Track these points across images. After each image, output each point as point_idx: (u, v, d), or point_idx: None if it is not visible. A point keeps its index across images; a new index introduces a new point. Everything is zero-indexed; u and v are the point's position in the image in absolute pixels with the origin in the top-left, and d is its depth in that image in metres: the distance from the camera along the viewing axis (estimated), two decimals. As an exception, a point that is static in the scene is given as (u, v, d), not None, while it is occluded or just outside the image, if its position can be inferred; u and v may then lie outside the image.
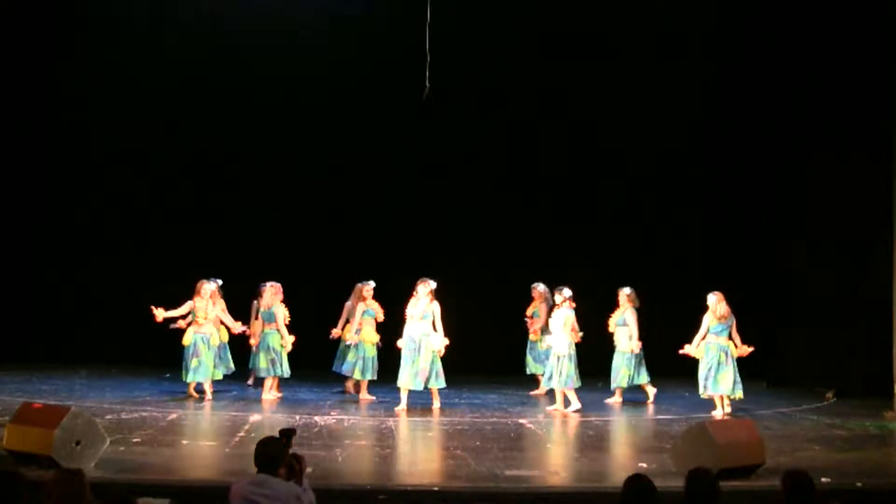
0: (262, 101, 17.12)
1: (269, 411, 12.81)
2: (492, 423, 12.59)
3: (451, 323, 13.37)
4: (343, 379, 14.29)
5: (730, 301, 13.30)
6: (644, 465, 9.44)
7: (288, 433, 6.13)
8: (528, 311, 14.82)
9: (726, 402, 13.04)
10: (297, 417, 12.17)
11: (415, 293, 13.08)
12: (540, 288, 14.66)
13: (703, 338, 13.11)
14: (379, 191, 17.28)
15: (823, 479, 8.24)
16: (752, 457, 8.91)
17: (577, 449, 11.22)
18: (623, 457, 10.19)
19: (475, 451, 10.47)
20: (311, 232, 17.10)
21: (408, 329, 13.03)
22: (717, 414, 12.95)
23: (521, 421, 12.48)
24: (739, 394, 13.08)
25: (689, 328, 13.38)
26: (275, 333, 13.64)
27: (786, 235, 16.37)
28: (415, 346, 12.92)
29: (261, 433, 10.04)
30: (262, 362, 13.65)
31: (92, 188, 17.36)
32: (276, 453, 5.88)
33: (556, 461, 10.41)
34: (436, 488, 8.44)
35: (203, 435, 11.16)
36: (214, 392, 13.64)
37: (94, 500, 5.27)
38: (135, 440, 10.19)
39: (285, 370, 13.69)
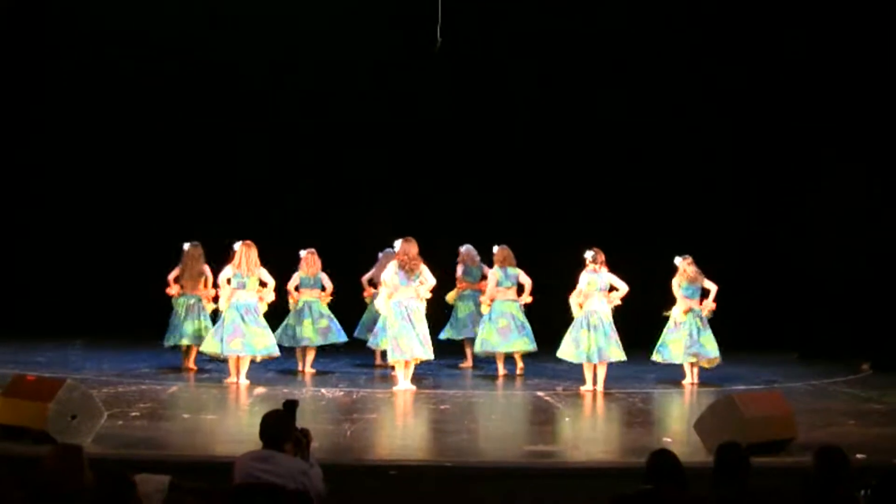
0: (257, 58, 17.24)
1: (274, 384, 12.85)
2: (507, 397, 12.65)
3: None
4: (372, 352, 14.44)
5: (760, 268, 13.36)
6: (669, 439, 9.46)
7: (292, 405, 6.15)
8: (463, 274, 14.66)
9: (695, 371, 13.27)
10: (304, 390, 12.23)
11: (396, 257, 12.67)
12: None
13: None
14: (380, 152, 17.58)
15: (858, 456, 8.23)
16: (782, 431, 8.91)
17: (598, 423, 11.27)
18: (646, 432, 10.21)
19: (490, 425, 10.52)
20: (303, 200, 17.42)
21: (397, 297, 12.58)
22: (687, 382, 13.21)
23: (539, 394, 12.51)
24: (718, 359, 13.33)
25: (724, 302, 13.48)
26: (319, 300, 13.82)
27: (819, 201, 16.41)
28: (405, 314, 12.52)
29: (266, 406, 10.09)
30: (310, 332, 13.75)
31: (83, 155, 17.49)
32: (282, 427, 5.90)
33: (575, 436, 10.44)
34: (449, 464, 8.47)
35: (205, 408, 11.21)
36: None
37: (93, 476, 5.30)
38: (133, 414, 10.24)
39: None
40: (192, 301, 13.64)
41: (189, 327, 13.57)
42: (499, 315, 13.74)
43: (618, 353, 12.65)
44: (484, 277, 14.32)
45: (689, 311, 13.18)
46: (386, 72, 17.35)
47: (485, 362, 14.40)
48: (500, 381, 13.63)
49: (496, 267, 13.85)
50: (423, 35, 14.20)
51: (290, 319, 13.79)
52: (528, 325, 13.82)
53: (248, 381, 12.56)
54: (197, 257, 13.66)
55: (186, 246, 13.72)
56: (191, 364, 13.74)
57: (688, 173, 17.32)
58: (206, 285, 13.60)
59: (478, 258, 14.56)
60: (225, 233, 13.46)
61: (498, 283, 13.80)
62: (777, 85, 16.80)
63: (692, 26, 16.85)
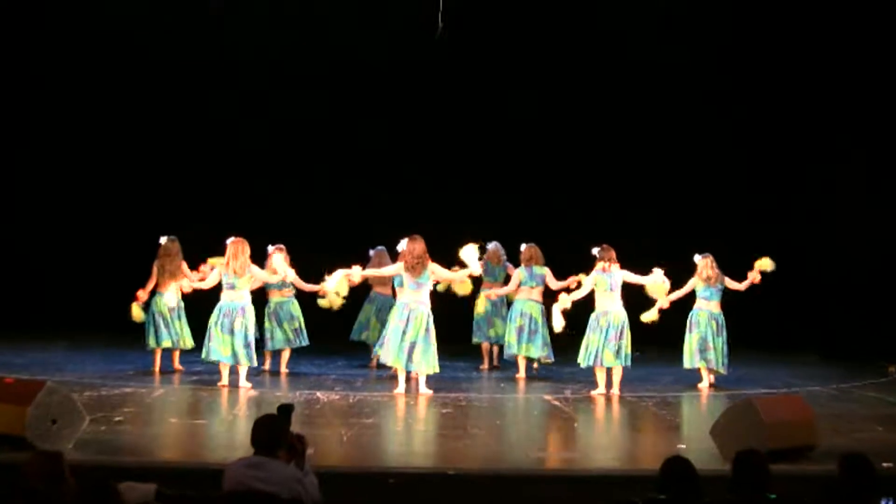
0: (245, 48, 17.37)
1: (267, 386, 12.86)
2: (513, 400, 12.65)
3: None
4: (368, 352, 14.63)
5: (781, 265, 13.39)
6: (683, 446, 9.46)
7: (286, 409, 6.15)
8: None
9: (712, 374, 13.29)
10: (298, 393, 12.23)
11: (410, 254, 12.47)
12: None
13: (683, 297, 13.32)
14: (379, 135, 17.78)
15: (885, 464, 8.22)
16: (803, 437, 8.90)
17: (609, 429, 11.26)
18: (660, 437, 10.21)
19: (496, 430, 10.51)
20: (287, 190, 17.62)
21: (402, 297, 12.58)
22: (704, 386, 13.22)
23: (547, 397, 12.51)
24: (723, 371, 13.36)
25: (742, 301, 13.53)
26: (293, 300, 13.80)
27: (841, 199, 16.52)
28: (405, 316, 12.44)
29: (258, 410, 10.10)
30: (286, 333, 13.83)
31: (64, 154, 17.66)
32: (275, 433, 5.90)
33: (584, 441, 10.44)
34: (451, 471, 8.47)
35: (193, 412, 11.21)
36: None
37: (74, 484, 5.30)
38: (117, 418, 10.22)
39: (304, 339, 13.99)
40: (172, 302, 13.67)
41: (175, 328, 13.58)
42: (517, 314, 13.91)
43: (610, 359, 12.63)
44: (507, 278, 14.39)
45: (692, 313, 13.26)
46: (395, 63, 17.45)
47: (508, 363, 14.58)
48: (506, 384, 13.66)
49: (521, 266, 13.90)
50: (427, 23, 14.32)
51: (265, 323, 13.82)
52: (543, 329, 13.88)
53: (249, 384, 12.57)
54: (175, 253, 13.62)
55: (163, 240, 13.70)
56: (176, 364, 13.79)
57: (705, 172, 17.42)
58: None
59: (503, 257, 14.52)
60: (214, 230, 13.50)
61: (521, 283, 13.87)
62: (793, 83, 16.91)
63: (708, 18, 16.92)
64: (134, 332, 14.19)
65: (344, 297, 13.01)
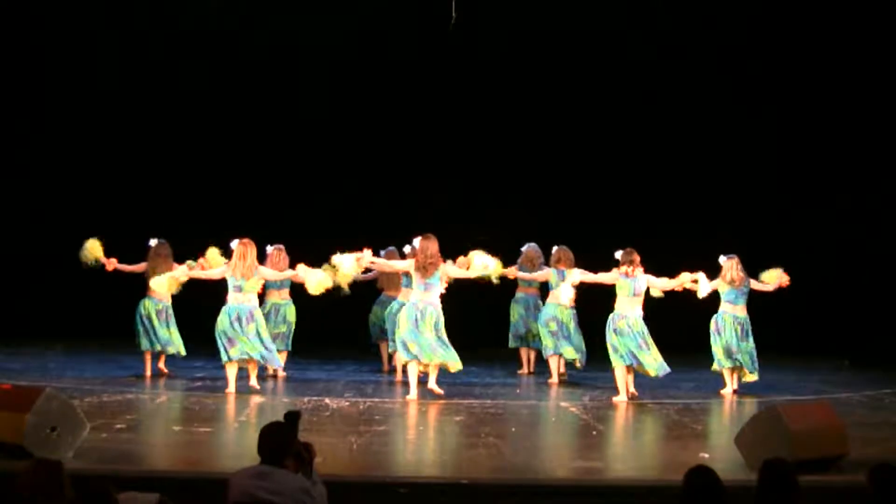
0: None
1: (273, 393, 12.88)
2: (529, 407, 12.64)
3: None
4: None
5: (808, 267, 13.39)
6: (707, 455, 9.45)
7: (294, 417, 6.16)
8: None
9: (735, 378, 13.27)
10: (306, 399, 12.24)
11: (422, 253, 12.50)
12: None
13: (706, 298, 13.18)
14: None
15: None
16: (832, 447, 8.87)
17: (630, 437, 11.25)
18: (682, 446, 10.19)
19: (511, 438, 10.51)
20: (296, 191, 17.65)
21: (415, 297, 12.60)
22: (727, 392, 13.22)
23: (564, 404, 12.50)
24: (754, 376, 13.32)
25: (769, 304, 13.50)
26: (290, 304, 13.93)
27: (875, 197, 16.50)
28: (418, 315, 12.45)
29: (264, 418, 10.11)
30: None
31: (62, 155, 17.75)
32: (282, 441, 5.90)
33: (605, 451, 10.43)
34: (465, 481, 8.47)
35: (197, 419, 11.21)
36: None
37: (73, 494, 5.30)
38: (118, 426, 10.24)
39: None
40: (160, 306, 13.68)
41: (163, 333, 13.62)
42: (549, 318, 14.01)
43: (653, 367, 12.64)
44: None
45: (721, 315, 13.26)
46: (404, 64, 17.51)
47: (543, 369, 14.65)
48: (522, 390, 13.68)
49: (551, 268, 13.99)
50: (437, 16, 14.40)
51: None
52: (575, 334, 14.04)
53: (258, 386, 12.62)
54: (165, 256, 13.56)
55: (153, 242, 13.69)
56: (162, 366, 13.90)
57: (733, 172, 17.42)
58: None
59: (540, 259, 14.47)
60: (211, 233, 13.53)
61: (551, 286, 13.94)
62: (825, 81, 16.94)
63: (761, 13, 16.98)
64: (131, 336, 14.22)
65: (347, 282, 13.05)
